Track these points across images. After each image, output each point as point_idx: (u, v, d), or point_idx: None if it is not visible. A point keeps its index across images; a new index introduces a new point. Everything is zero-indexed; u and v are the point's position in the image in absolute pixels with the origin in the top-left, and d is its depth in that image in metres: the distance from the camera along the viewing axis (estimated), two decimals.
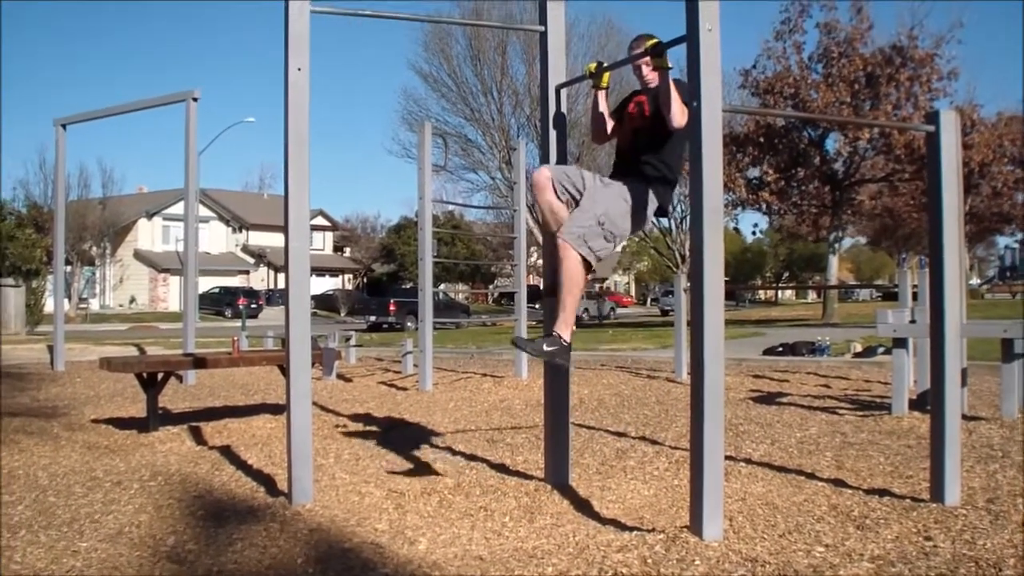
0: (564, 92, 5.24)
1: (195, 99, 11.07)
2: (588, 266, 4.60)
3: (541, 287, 5.31)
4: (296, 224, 4.64)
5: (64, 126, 13.10)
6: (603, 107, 5.09)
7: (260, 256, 59.39)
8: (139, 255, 54.05)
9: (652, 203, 4.81)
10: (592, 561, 3.65)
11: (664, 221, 40.79)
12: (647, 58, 4.66)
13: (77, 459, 6.09)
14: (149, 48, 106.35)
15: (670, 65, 4.44)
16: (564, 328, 4.56)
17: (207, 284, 47.75)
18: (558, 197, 4.73)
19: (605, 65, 5.02)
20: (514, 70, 39.88)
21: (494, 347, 17.71)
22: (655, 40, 4.49)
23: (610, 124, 5.13)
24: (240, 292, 48.70)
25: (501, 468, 5.64)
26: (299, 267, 4.67)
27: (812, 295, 68.21)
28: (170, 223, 52.72)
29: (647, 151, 4.80)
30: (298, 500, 4.65)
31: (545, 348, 4.55)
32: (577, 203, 4.71)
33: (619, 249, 77.84)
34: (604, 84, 4.99)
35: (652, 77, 4.83)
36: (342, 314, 49.07)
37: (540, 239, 5.39)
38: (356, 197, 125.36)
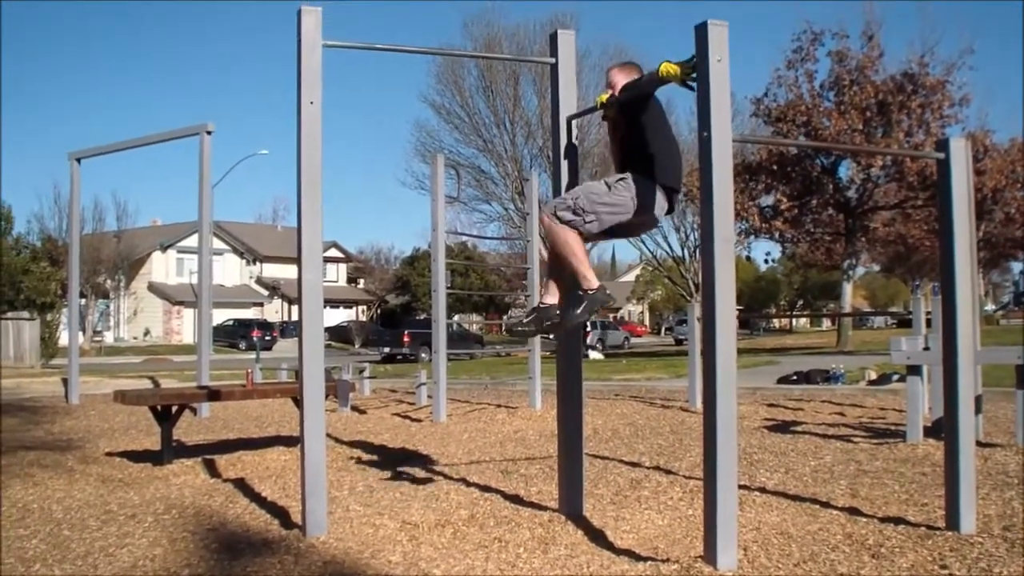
0: (575, 123, 5.28)
1: (209, 132, 11.20)
2: (581, 234, 4.67)
3: None
4: (309, 256, 4.68)
5: (79, 160, 13.24)
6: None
7: (274, 288, 59.58)
8: (153, 288, 54.26)
9: (658, 192, 4.78)
10: None
11: (677, 250, 40.89)
12: (618, 78, 4.91)
13: (91, 492, 6.11)
14: (164, 82, 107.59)
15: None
16: (585, 281, 4.60)
17: (221, 316, 47.87)
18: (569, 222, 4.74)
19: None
20: (526, 101, 39.97)
21: (508, 378, 17.69)
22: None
23: None
24: (254, 324, 48.65)
25: (515, 499, 5.63)
26: (313, 299, 4.70)
27: (827, 323, 67.84)
28: (184, 255, 52.95)
29: (634, 151, 4.84)
30: (312, 532, 4.65)
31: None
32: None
33: (630, 277, 77.82)
34: (613, 115, 5.03)
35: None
36: (356, 346, 49.13)
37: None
38: (370, 229, 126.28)
